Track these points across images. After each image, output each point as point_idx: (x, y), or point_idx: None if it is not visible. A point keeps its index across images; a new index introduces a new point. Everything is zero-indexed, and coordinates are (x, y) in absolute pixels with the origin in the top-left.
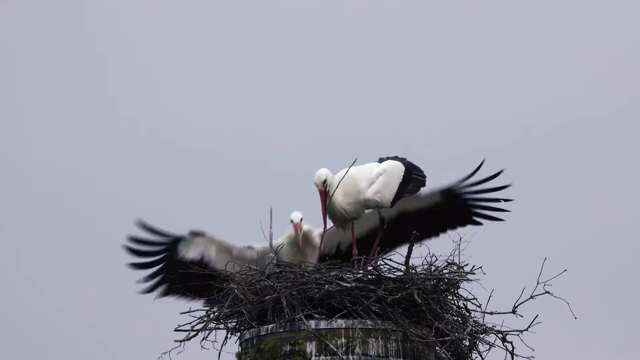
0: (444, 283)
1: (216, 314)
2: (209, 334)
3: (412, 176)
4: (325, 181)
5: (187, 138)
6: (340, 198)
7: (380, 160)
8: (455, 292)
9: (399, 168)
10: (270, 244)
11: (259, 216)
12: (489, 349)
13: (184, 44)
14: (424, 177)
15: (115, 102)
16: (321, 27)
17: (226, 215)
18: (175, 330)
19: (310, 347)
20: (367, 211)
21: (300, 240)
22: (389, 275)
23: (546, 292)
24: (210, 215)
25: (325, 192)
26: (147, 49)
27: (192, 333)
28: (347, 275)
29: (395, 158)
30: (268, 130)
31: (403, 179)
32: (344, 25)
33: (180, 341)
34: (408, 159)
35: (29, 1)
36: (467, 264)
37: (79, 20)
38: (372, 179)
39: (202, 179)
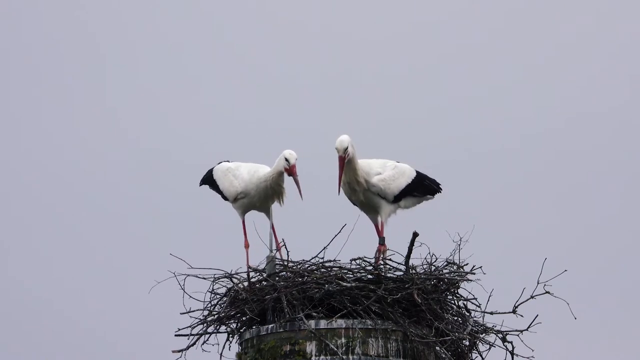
0: (444, 283)
1: (215, 316)
2: (209, 337)
3: (424, 183)
4: (346, 148)
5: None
6: (360, 171)
7: None
8: (455, 292)
9: (410, 171)
10: (270, 244)
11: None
12: (489, 349)
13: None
14: (438, 186)
15: (117, 115)
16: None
17: (227, 218)
18: (176, 335)
19: (310, 347)
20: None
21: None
22: (389, 275)
23: (546, 292)
24: (212, 218)
25: (343, 159)
26: (148, 53)
27: (192, 339)
28: (347, 275)
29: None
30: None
31: (413, 181)
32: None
33: (179, 351)
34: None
35: (28, 3)
36: (467, 264)
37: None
38: (383, 169)
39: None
